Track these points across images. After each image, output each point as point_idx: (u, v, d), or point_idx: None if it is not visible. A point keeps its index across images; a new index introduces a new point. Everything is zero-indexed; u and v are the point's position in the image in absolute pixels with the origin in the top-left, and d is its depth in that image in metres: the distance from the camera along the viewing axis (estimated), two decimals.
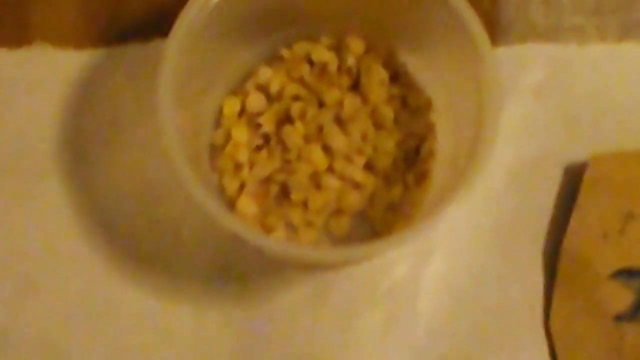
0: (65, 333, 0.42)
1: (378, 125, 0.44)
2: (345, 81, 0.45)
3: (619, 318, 0.43)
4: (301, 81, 0.45)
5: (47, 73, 0.45)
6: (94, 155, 0.44)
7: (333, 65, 0.45)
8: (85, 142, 0.45)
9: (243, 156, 0.44)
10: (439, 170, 0.44)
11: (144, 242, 0.43)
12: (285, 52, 0.45)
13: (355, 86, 0.45)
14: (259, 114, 0.44)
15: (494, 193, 0.45)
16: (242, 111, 0.44)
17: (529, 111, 0.46)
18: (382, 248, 0.40)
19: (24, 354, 0.42)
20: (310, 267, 0.44)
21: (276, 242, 0.42)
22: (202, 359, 0.42)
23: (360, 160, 0.44)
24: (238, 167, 0.44)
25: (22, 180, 0.44)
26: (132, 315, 0.43)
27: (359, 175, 0.44)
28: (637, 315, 0.43)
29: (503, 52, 0.46)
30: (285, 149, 0.44)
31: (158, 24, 0.43)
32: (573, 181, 0.45)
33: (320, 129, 0.44)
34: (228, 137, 0.44)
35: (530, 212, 0.45)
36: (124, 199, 0.44)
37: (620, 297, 0.43)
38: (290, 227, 0.43)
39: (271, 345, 0.43)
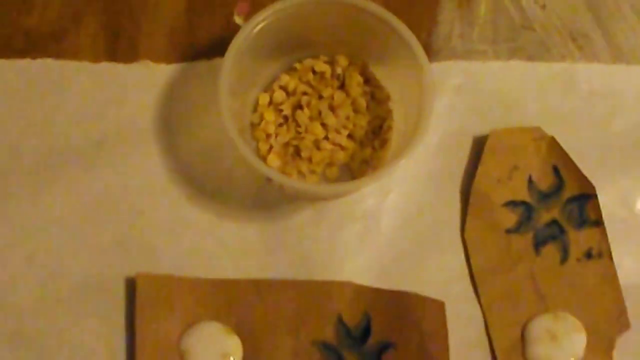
0: (160, 242, 0.53)
1: (356, 110, 0.53)
2: (335, 83, 0.53)
3: (508, 231, 0.54)
4: (308, 83, 0.53)
5: (149, 79, 0.55)
6: (176, 132, 0.54)
7: (328, 73, 0.53)
8: (171, 123, 0.54)
9: (271, 129, 0.53)
10: (394, 139, 0.53)
11: (209, 183, 0.53)
12: (297, 65, 0.54)
13: (342, 86, 0.53)
14: (281, 103, 0.53)
15: (429, 153, 0.54)
16: (271, 102, 0.53)
17: (451, 103, 0.56)
18: (358, 186, 0.51)
19: (137, 255, 0.53)
20: (313, 198, 0.54)
21: (293, 181, 0.52)
22: (244, 257, 0.53)
23: (345, 132, 0.53)
24: (268, 136, 0.53)
25: (130, 147, 0.54)
26: (201, 229, 0.53)
27: (344, 141, 0.53)
28: (519, 229, 0.54)
29: (435, 66, 0.55)
30: (297, 125, 0.53)
31: (218, 48, 0.53)
32: (479, 147, 0.55)
33: (320, 112, 0.52)
34: (262, 117, 0.53)
35: (452, 165, 0.55)
36: (196, 156, 0.54)
37: (509, 218, 0.54)
38: (301, 174, 0.53)
39: (288, 248, 0.53)
